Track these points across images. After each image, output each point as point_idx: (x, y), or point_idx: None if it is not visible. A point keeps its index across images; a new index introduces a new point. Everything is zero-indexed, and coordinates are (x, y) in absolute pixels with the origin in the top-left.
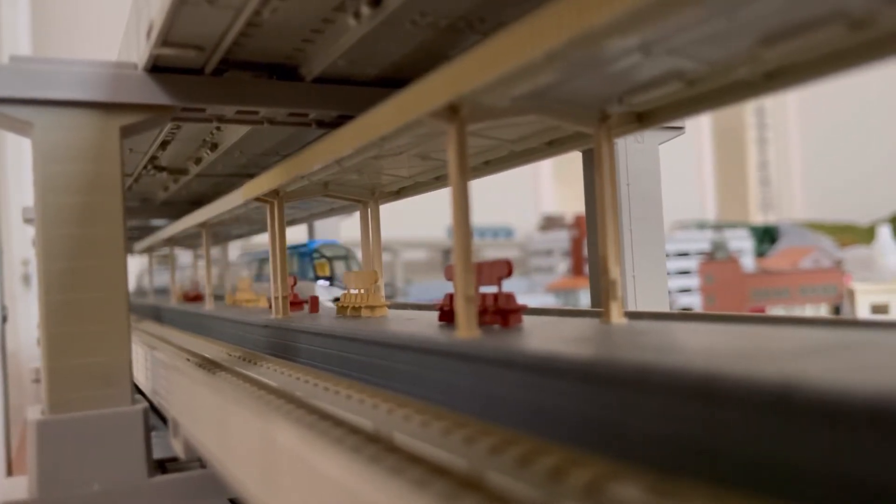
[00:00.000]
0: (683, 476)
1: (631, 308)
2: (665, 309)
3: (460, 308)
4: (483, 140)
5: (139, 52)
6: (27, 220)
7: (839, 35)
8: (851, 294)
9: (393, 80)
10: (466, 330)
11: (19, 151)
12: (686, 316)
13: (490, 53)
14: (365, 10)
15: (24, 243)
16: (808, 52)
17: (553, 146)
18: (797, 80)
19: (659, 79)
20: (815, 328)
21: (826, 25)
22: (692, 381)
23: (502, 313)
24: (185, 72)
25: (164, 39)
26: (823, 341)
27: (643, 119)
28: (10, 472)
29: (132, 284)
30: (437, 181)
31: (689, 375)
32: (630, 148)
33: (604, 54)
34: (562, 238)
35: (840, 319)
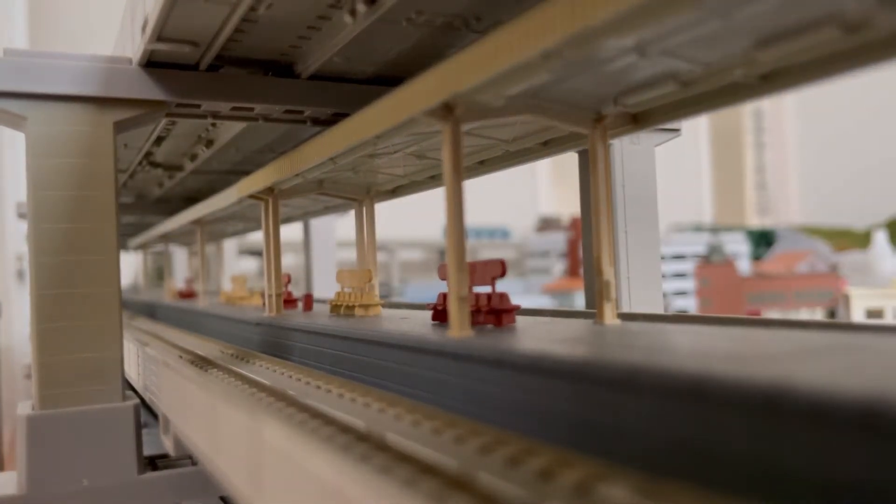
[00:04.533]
0: (672, 477)
1: (625, 310)
2: (659, 311)
3: (453, 307)
4: (478, 139)
5: (134, 47)
6: (21, 216)
7: (834, 38)
8: (847, 299)
9: (389, 79)
10: (459, 329)
11: (15, 146)
12: (680, 318)
13: (485, 52)
14: (361, 7)
15: (18, 238)
16: (802, 54)
17: (548, 146)
18: (792, 82)
19: (654, 80)
20: (810, 331)
21: (821, 28)
22: (683, 383)
23: (495, 313)
24: (180, 67)
25: (159, 34)
26: (817, 344)
27: (638, 120)
28: (1, 468)
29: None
30: (433, 180)
31: (680, 377)
32: (626, 150)
33: (599, 54)
34: (558, 239)
35: (834, 323)
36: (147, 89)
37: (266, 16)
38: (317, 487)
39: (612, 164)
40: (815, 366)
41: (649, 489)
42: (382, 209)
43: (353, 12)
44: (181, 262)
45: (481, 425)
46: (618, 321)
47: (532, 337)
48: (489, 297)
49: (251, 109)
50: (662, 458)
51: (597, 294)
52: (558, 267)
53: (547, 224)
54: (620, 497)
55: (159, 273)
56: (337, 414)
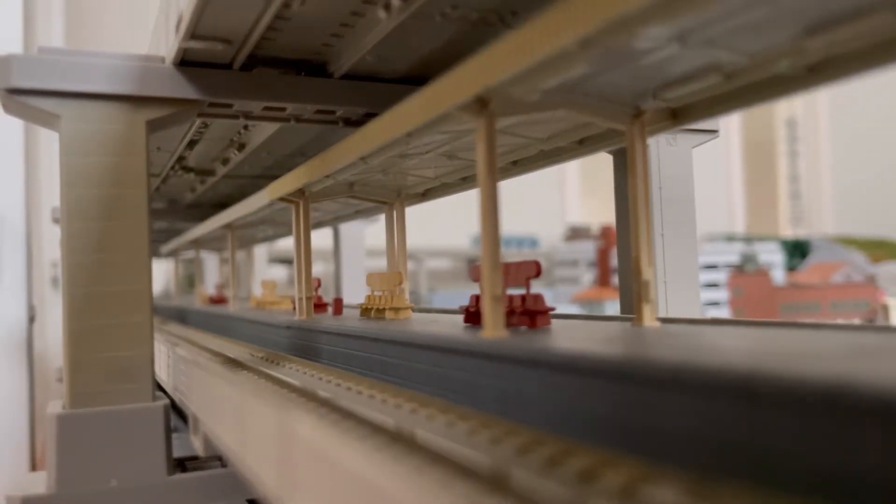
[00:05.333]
0: (720, 478)
1: (661, 315)
2: (699, 316)
3: (487, 307)
4: (512, 138)
5: (168, 46)
6: (55, 220)
7: (888, 24)
8: (885, 309)
9: (421, 78)
10: (493, 329)
11: (51, 156)
12: (723, 322)
13: (520, 42)
14: (395, 1)
15: (53, 245)
16: (853, 42)
17: (584, 145)
18: (841, 73)
19: (695, 72)
20: (858, 333)
21: (874, 14)
22: (733, 381)
23: (530, 314)
24: (213, 66)
25: (193, 32)
26: (870, 345)
27: (678, 116)
28: (33, 468)
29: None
30: (464, 182)
31: (731, 375)
32: (663, 151)
33: (638, 44)
34: (587, 249)
35: (881, 326)
36: (180, 88)
37: (299, 13)
38: (351, 486)
39: (648, 165)
40: (873, 365)
41: (698, 491)
42: (410, 218)
43: (387, 7)
44: (212, 269)
45: (518, 426)
46: (657, 323)
47: (569, 338)
48: (523, 297)
49: (283, 109)
50: (712, 458)
51: (635, 295)
52: (587, 276)
53: (576, 233)
54: (668, 500)
55: (190, 280)
56: (370, 414)
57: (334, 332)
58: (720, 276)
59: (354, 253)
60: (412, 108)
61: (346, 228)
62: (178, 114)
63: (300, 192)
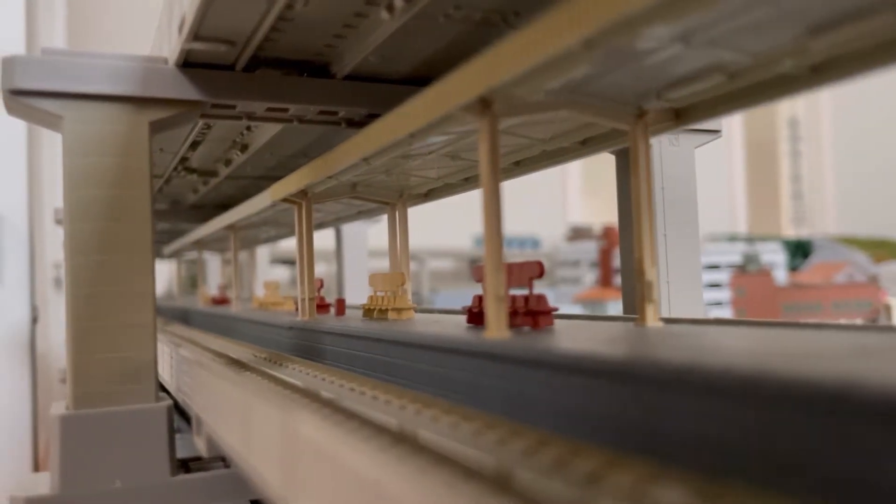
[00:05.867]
0: (725, 479)
1: (664, 315)
2: (702, 316)
3: (490, 307)
4: (515, 139)
5: (170, 47)
6: (58, 222)
7: (890, 25)
8: (888, 309)
9: (424, 79)
10: (497, 330)
11: (53, 157)
12: (726, 322)
13: (523, 43)
14: (398, 2)
15: (55, 246)
16: (856, 43)
17: (587, 145)
18: (844, 73)
19: (699, 72)
20: (862, 333)
21: (876, 15)
22: (737, 381)
23: (532, 315)
24: (216, 68)
25: (196, 34)
26: (871, 344)
27: (681, 116)
28: (36, 469)
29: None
30: (467, 182)
31: (734, 375)
32: (665, 151)
33: (641, 45)
34: (589, 249)
35: (884, 326)
36: (183, 89)
37: (303, 14)
38: (355, 487)
39: (651, 166)
40: (876, 365)
41: (706, 492)
42: (412, 218)
43: (390, 8)
44: (214, 270)
45: (522, 427)
46: (660, 324)
47: (573, 338)
48: (526, 298)
49: (286, 110)
50: (717, 459)
51: (638, 295)
52: (589, 276)
53: (578, 233)
54: (676, 500)
55: (193, 281)
56: (373, 415)
57: (337, 332)
58: (723, 277)
59: (357, 253)
60: (415, 109)
61: (349, 229)
62: (181, 115)
63: (303, 193)
